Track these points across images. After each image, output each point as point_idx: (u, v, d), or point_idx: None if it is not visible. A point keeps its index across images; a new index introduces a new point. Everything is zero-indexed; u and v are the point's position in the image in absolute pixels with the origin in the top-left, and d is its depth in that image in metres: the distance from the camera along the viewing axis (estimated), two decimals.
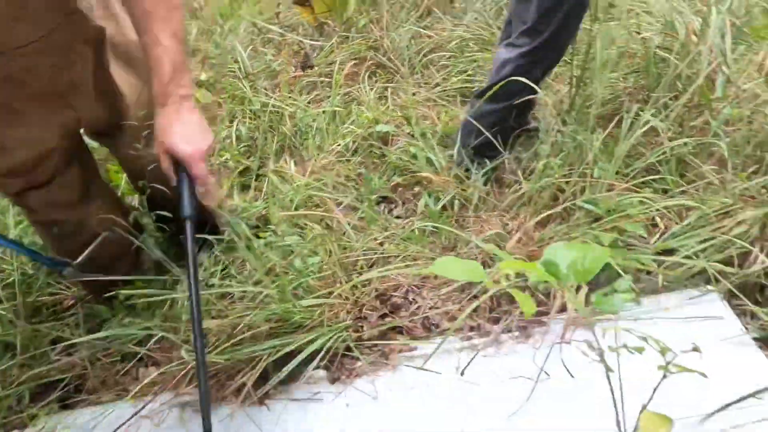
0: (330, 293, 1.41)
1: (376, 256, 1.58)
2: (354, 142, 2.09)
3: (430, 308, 1.44)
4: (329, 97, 2.28)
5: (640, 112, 1.65)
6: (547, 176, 1.43)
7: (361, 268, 1.57)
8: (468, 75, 2.36)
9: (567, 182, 1.47)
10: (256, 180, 2.10)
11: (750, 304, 1.29)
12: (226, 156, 2.09)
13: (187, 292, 1.49)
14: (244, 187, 2.10)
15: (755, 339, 1.25)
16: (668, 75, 1.83)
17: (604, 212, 1.36)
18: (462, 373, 1.25)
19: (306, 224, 1.73)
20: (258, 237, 1.72)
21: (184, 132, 1.03)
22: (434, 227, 1.56)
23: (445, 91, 2.35)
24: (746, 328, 1.26)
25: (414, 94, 2.37)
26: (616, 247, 1.32)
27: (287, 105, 2.28)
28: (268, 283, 1.36)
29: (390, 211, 1.90)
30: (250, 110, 2.34)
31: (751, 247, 1.26)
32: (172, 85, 1.01)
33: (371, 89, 2.31)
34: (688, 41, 1.97)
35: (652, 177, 1.55)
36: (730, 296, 1.34)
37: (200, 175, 1.08)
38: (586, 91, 1.85)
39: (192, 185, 1.09)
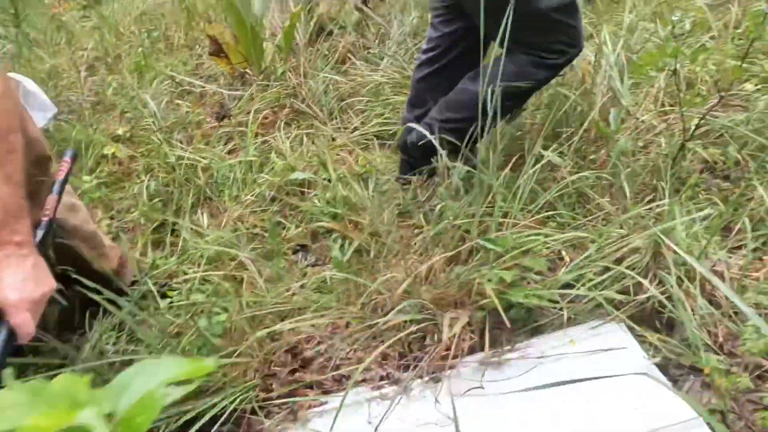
0: (234, 352, 1.36)
1: (287, 308, 1.55)
2: (270, 191, 2.07)
3: (341, 359, 1.41)
4: (245, 146, 2.26)
5: (543, 150, 1.70)
6: (446, 219, 1.44)
7: (272, 321, 1.52)
8: (384, 118, 2.39)
9: (470, 222, 1.48)
10: (171, 235, 2.04)
11: (649, 331, 1.32)
12: (136, 213, 2.03)
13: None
14: (160, 243, 2.04)
15: (657, 365, 1.27)
16: (569, 111, 1.90)
17: (503, 250, 1.37)
18: (375, 430, 1.21)
19: (217, 279, 1.69)
20: (166, 296, 1.67)
21: (14, 279, 0.96)
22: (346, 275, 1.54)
23: (363, 135, 2.37)
24: (648, 355, 1.28)
25: (333, 139, 2.39)
26: (518, 284, 1.32)
27: (203, 157, 2.24)
28: (163, 347, 1.30)
29: (307, 259, 1.87)
30: (167, 163, 2.29)
31: (640, 278, 1.29)
32: (4, 233, 0.96)
33: (288, 137, 2.31)
34: (585, 77, 2.07)
35: (553, 212, 1.58)
36: (633, 324, 1.36)
37: (22, 325, 0.97)
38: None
39: (11, 337, 0.97)
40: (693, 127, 1.69)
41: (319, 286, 1.62)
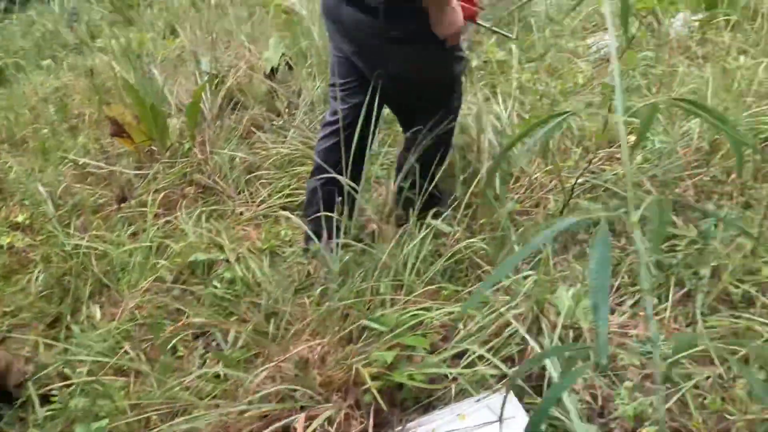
0: None
1: (178, 405, 1.48)
2: (171, 274, 2.01)
3: None
4: (145, 230, 2.21)
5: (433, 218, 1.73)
6: (331, 300, 1.43)
7: (162, 420, 1.45)
8: (291, 189, 2.40)
9: (361, 300, 1.48)
10: (67, 329, 1.94)
11: (535, 398, 1.32)
12: (23, 309, 1.93)
13: None
14: (56, 338, 1.94)
15: None
16: (457, 174, 1.95)
17: (388, 329, 1.36)
18: None
19: (104, 379, 1.60)
20: (50, 401, 1.58)
21: None
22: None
23: (270, 207, 2.36)
24: None
25: (241, 214, 2.36)
26: (402, 363, 1.31)
27: (102, 243, 2.17)
28: None
29: (207, 345, 1.81)
30: (64, 251, 2.21)
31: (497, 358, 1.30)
32: None
33: (191, 216, 2.26)
34: (479, 138, 2.14)
35: (445, 283, 1.60)
36: (521, 392, 1.37)
37: None
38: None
39: None
40: (572, 186, 1.76)
41: (214, 376, 1.56)
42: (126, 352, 1.69)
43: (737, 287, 1.41)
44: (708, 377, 1.23)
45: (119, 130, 2.53)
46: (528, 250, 0.59)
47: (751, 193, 1.63)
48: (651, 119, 0.68)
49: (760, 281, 1.42)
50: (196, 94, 2.57)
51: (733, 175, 1.71)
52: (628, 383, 1.25)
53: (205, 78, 2.91)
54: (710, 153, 1.82)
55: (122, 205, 2.36)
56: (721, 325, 1.37)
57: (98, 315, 1.87)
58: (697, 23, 3.10)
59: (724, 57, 2.39)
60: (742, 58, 2.23)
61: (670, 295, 1.45)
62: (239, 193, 2.47)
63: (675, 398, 1.22)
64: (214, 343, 1.82)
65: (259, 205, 2.37)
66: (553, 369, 1.32)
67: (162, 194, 2.35)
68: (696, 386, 1.26)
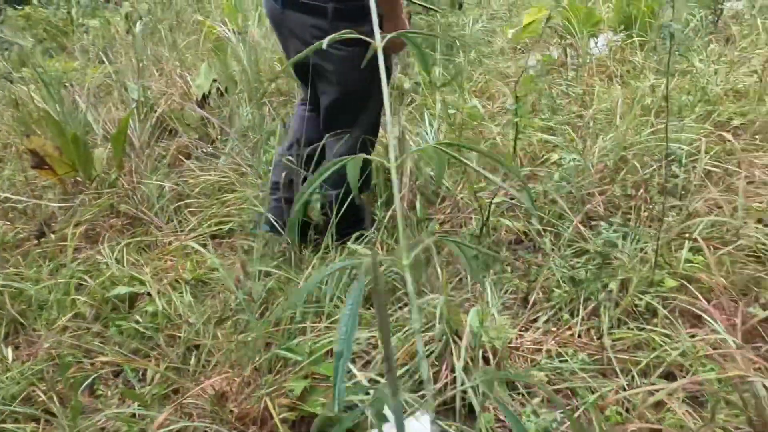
0: None
1: None
2: (92, 309, 1.95)
3: None
4: (65, 265, 2.14)
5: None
6: (252, 329, 1.42)
7: None
8: (221, 216, 2.37)
9: (278, 330, 1.46)
10: None
11: (450, 421, 1.33)
12: None
13: None
14: None
15: None
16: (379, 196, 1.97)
17: (303, 357, 1.35)
18: None
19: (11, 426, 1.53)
20: None
21: None
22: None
23: (200, 235, 2.33)
24: None
25: (169, 243, 2.32)
26: (315, 391, 1.30)
27: (19, 280, 2.09)
28: None
29: (128, 382, 1.75)
30: None
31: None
32: None
33: (116, 248, 2.21)
34: (402, 162, 2.16)
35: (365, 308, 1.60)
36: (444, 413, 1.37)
37: None
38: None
39: None
40: (488, 207, 1.80)
41: (130, 416, 1.51)
42: (37, 395, 1.63)
43: (641, 299, 1.46)
44: (611, 389, 1.27)
45: (40, 162, 2.45)
46: (304, 291, 0.60)
47: (651, 208, 1.71)
48: (443, 164, 0.71)
49: (661, 293, 1.47)
50: (123, 122, 2.52)
51: (641, 190, 1.79)
52: (536, 399, 1.27)
53: (133, 105, 2.86)
54: (617, 170, 1.89)
55: (41, 239, 2.27)
56: (626, 337, 1.42)
57: (10, 357, 1.79)
58: (618, 43, 3.24)
59: (637, 76, 2.50)
60: (652, 77, 2.33)
61: (580, 310, 1.49)
62: (168, 222, 2.42)
63: (579, 411, 1.25)
64: (135, 380, 1.77)
65: (188, 234, 2.33)
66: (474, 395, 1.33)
67: (85, 227, 2.29)
68: (602, 397, 1.29)
